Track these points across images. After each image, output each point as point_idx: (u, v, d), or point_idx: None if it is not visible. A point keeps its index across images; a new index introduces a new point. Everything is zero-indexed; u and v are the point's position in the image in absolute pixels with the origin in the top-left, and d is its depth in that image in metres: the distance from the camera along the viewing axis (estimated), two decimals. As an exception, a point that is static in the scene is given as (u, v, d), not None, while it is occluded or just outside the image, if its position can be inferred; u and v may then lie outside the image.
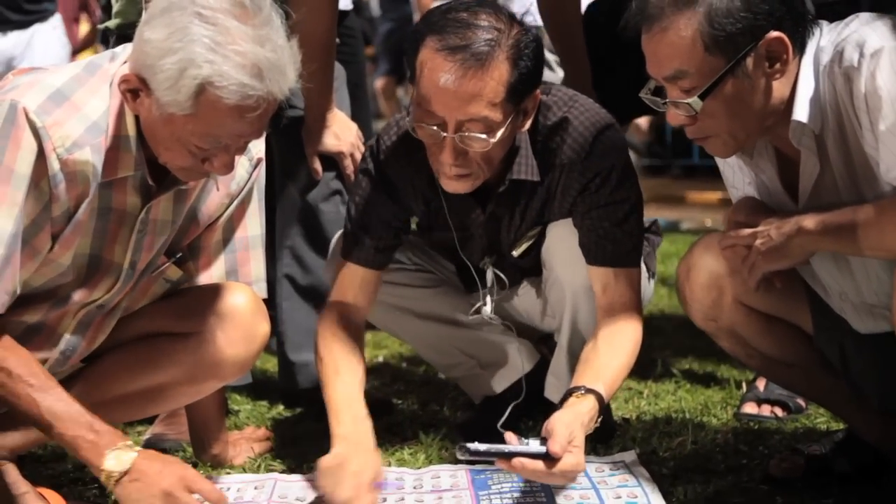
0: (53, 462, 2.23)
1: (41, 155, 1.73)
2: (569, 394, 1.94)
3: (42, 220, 1.78)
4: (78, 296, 1.91)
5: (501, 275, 2.32)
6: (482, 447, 1.75)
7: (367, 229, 2.21)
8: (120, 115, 1.80)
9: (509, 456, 1.76)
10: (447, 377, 2.52)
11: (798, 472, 2.04)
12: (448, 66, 1.91)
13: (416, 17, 6.80)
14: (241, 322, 2.03)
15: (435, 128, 1.95)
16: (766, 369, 2.21)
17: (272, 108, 1.75)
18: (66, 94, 1.77)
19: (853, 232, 1.71)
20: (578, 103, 2.14)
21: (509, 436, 1.82)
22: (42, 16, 4.21)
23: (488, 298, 2.33)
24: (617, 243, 2.12)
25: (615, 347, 2.06)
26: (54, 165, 1.74)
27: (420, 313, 2.42)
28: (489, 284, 2.33)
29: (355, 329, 2.20)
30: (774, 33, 1.71)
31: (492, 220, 2.22)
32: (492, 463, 1.78)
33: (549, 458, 1.77)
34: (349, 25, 3.11)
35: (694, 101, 1.73)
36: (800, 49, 1.75)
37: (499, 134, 1.96)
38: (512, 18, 1.99)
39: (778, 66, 1.73)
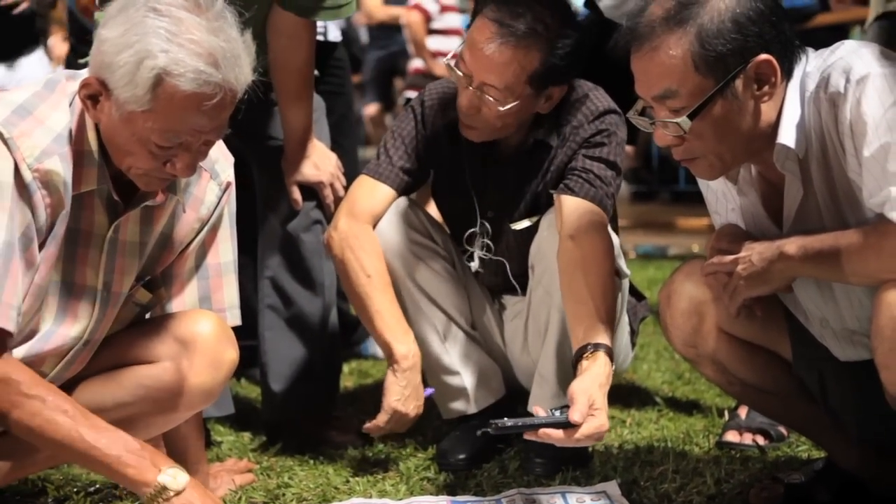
0: (31, 497, 2.22)
1: (15, 165, 1.75)
2: (579, 356, 2.04)
3: (31, 233, 1.79)
4: (61, 330, 1.91)
5: (488, 225, 2.45)
6: (510, 422, 1.87)
7: (396, 151, 2.43)
8: (80, 131, 1.82)
9: (536, 427, 1.86)
10: (430, 375, 2.53)
11: (777, 502, 2.04)
12: (489, 34, 2.19)
13: (410, 48, 6.87)
14: (206, 350, 2.00)
15: (462, 75, 2.25)
16: (746, 397, 2.22)
17: (229, 101, 1.77)
18: (28, 109, 1.80)
19: (834, 258, 1.72)
20: (601, 91, 2.38)
21: (536, 408, 1.93)
22: (29, 49, 4.29)
23: (476, 254, 2.47)
24: (594, 186, 2.29)
25: (597, 283, 2.13)
26: (27, 176, 1.76)
27: (432, 297, 2.46)
28: (481, 236, 2.47)
29: (370, 237, 2.37)
30: (763, 56, 1.72)
31: (504, 178, 2.40)
32: (521, 435, 1.90)
33: (573, 426, 1.87)
34: (338, 57, 3.14)
35: (682, 120, 1.74)
36: (787, 73, 1.76)
37: (508, 105, 2.22)
38: (566, 19, 2.24)
39: (766, 88, 1.74)
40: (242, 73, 1.76)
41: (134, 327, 2.07)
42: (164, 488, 1.77)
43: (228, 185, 2.08)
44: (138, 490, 1.79)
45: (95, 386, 2.02)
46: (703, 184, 2.01)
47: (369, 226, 2.38)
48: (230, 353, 2.04)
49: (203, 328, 2.02)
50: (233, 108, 1.79)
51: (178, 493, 1.78)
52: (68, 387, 2.02)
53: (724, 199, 1.99)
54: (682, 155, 1.82)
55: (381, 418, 2.30)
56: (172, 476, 1.78)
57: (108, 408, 2.00)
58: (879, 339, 1.70)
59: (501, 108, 2.23)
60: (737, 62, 1.72)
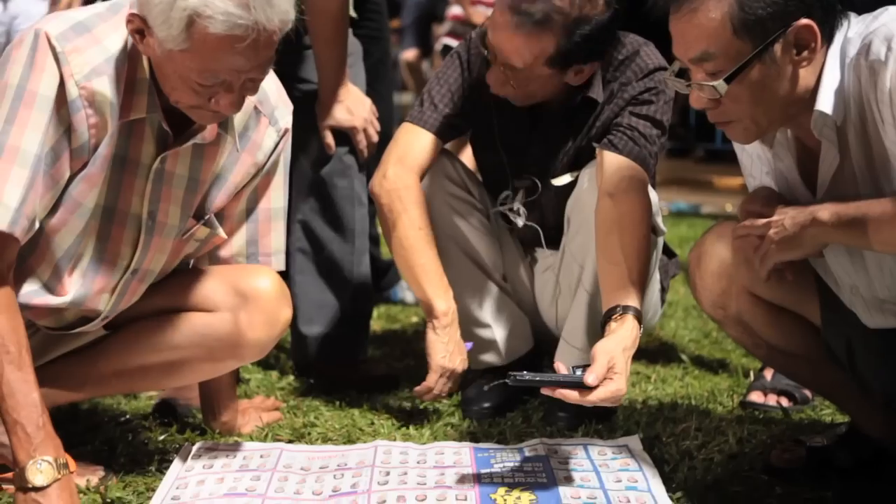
0: (63, 425, 2.26)
1: (61, 80, 1.77)
2: (608, 317, 2.04)
3: (60, 149, 1.81)
4: (107, 258, 1.94)
5: (537, 180, 2.42)
6: (528, 376, 1.88)
7: (442, 99, 2.41)
8: (135, 58, 1.84)
9: (552, 384, 1.87)
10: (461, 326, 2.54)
11: (799, 464, 2.05)
12: (505, 19, 2.19)
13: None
14: (265, 306, 2.04)
15: (489, 52, 2.27)
16: (772, 359, 2.21)
17: (265, 41, 1.75)
18: (87, 27, 1.82)
19: (866, 226, 1.70)
20: (651, 46, 2.35)
21: (558, 365, 1.93)
22: None
23: (522, 210, 2.46)
24: (638, 144, 2.27)
25: (632, 244, 2.13)
26: (72, 92, 1.78)
27: (465, 249, 2.47)
28: (521, 197, 2.46)
29: (419, 190, 2.37)
30: (804, 20, 1.69)
31: (549, 134, 2.38)
32: (537, 390, 1.91)
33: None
34: (375, 1, 3.12)
35: (719, 84, 1.72)
36: (827, 38, 1.73)
37: (530, 85, 2.25)
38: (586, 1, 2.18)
39: (805, 53, 1.72)
40: (276, 13, 1.74)
41: (194, 273, 2.11)
42: (23, 475, 1.74)
43: (286, 131, 2.09)
44: (10, 465, 1.78)
45: (151, 326, 2.06)
46: (738, 146, 2.00)
47: (418, 177, 2.38)
48: (286, 312, 2.08)
49: (263, 284, 2.06)
50: (273, 47, 1.78)
51: (34, 488, 1.73)
52: (125, 324, 2.07)
53: (759, 161, 1.98)
54: (717, 118, 1.80)
55: (431, 378, 2.30)
56: (38, 470, 1.73)
57: (161, 349, 2.05)
58: None
59: (522, 82, 2.24)
60: (776, 26, 1.69)
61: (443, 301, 2.32)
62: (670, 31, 1.77)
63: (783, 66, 1.72)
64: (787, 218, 1.81)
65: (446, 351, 2.30)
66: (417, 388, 2.33)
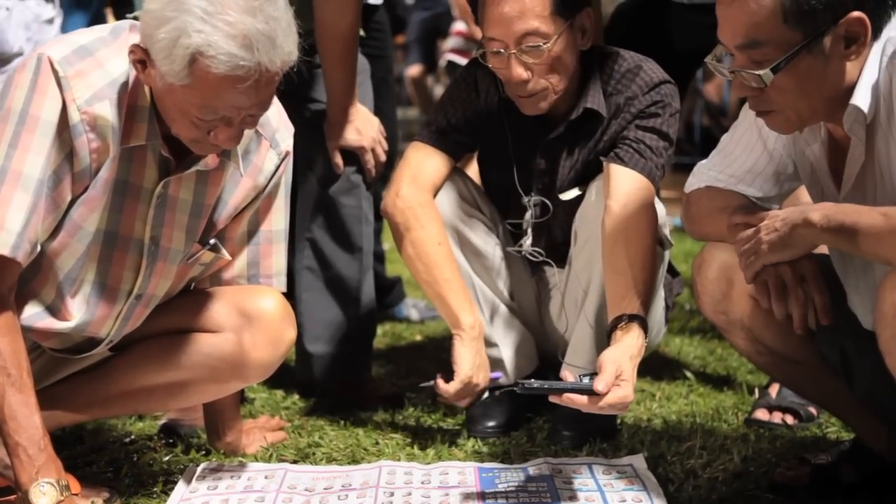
0: (68, 446, 2.28)
1: (63, 105, 1.79)
2: (613, 327, 2.07)
3: (62, 172, 1.82)
4: (110, 283, 1.95)
5: (547, 201, 2.42)
6: (536, 383, 1.91)
7: (452, 117, 2.42)
8: (136, 85, 1.85)
9: (560, 391, 1.88)
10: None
11: (804, 481, 2.04)
12: None
13: (454, 10, 6.83)
14: (269, 326, 2.06)
15: (499, 50, 2.23)
16: (774, 367, 2.16)
17: (267, 80, 1.76)
18: (90, 51, 1.83)
19: (854, 234, 1.68)
20: (652, 62, 2.37)
21: (565, 374, 1.95)
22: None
23: (529, 231, 2.46)
24: (645, 157, 2.28)
25: (638, 255, 2.16)
26: (74, 116, 1.79)
27: (477, 270, 2.47)
28: (532, 216, 2.45)
29: (435, 207, 2.39)
30: (856, 14, 1.66)
31: (554, 149, 2.38)
32: (546, 398, 1.92)
33: (598, 394, 1.90)
34: (378, 20, 3.13)
35: (765, 73, 1.69)
36: (876, 33, 1.70)
37: (552, 42, 2.20)
38: None
39: (854, 47, 1.69)
40: (279, 55, 1.74)
41: (198, 294, 2.12)
42: (27, 498, 1.76)
43: (287, 154, 2.10)
44: (16, 488, 1.80)
45: (156, 348, 2.07)
46: (738, 135, 1.99)
47: (432, 195, 2.39)
48: (290, 333, 2.10)
49: (267, 304, 2.07)
50: (274, 85, 1.79)
51: None
52: (130, 345, 2.08)
53: (759, 152, 1.96)
54: (758, 106, 1.77)
55: (454, 386, 2.30)
56: (41, 492, 1.76)
57: (166, 370, 2.06)
58: (882, 325, 1.67)
59: (548, 46, 2.19)
60: (828, 18, 1.66)
61: (469, 314, 2.33)
62: (717, 15, 1.73)
63: (831, 59, 1.69)
64: (777, 220, 1.79)
65: (473, 364, 2.31)
66: (439, 386, 2.31)
